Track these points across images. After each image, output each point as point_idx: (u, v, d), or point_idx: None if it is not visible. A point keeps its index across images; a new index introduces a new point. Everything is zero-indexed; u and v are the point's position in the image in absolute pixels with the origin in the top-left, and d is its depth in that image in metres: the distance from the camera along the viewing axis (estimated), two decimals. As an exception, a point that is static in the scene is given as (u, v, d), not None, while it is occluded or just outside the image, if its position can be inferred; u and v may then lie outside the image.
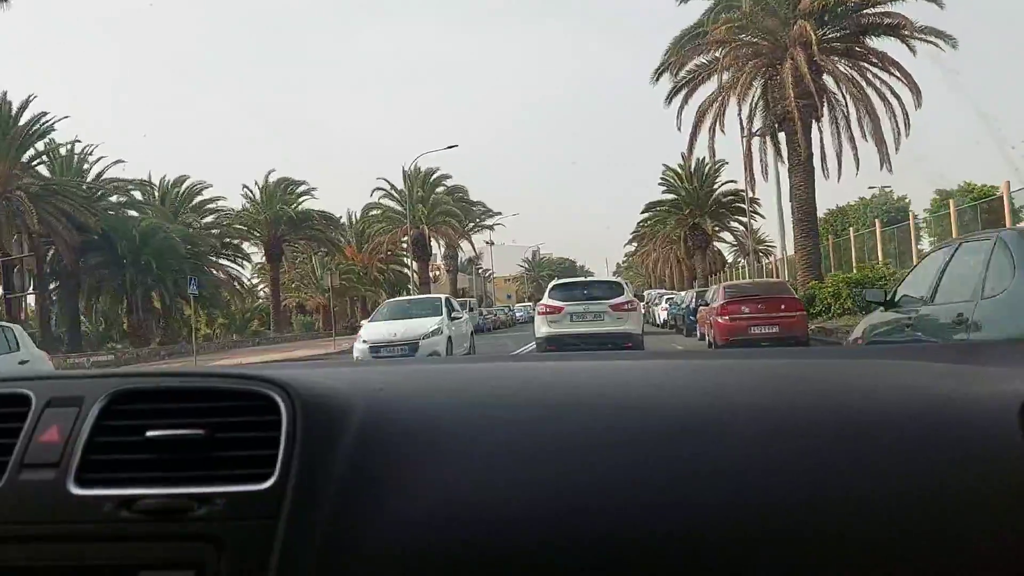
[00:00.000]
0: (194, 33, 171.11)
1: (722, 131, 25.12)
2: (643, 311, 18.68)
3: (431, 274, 53.06)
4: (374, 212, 48.91)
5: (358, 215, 50.91)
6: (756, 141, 25.62)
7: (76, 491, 0.90)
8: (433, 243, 52.77)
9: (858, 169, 23.86)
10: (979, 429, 0.91)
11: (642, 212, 48.07)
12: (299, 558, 0.84)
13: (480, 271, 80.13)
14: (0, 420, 0.98)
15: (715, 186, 46.58)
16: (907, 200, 48.95)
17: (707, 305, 17.20)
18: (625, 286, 15.01)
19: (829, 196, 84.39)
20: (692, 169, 46.73)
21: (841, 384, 1.11)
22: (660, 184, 47.53)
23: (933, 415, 0.95)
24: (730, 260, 52.99)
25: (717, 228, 45.90)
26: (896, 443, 0.90)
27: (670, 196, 47.44)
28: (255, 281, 51.45)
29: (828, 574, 0.82)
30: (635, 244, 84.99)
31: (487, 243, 69.93)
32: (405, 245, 47.46)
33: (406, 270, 57.21)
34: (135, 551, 0.87)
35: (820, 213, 29.43)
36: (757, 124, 25.23)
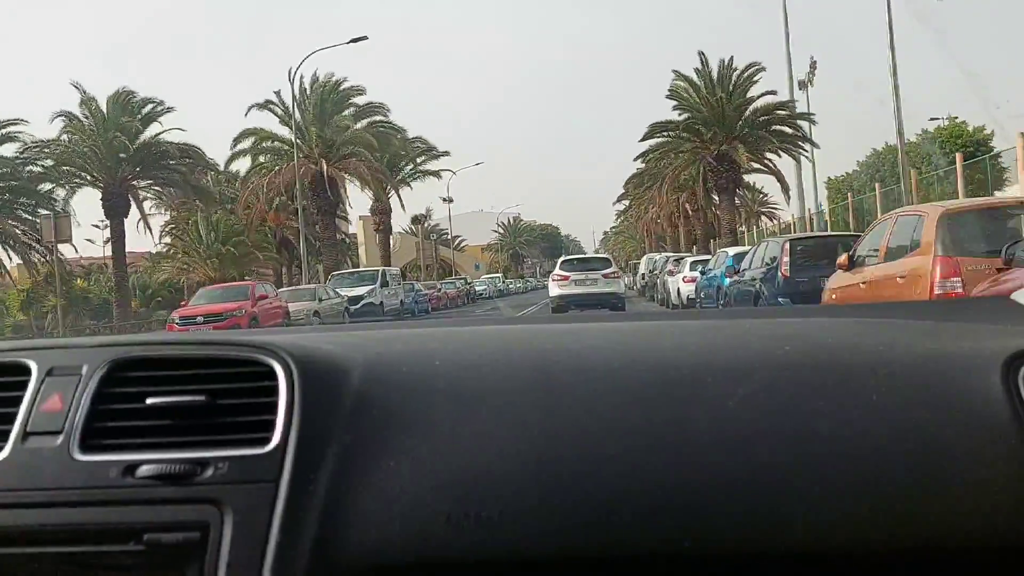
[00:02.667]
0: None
1: None
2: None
3: (341, 236, 38.70)
4: (246, 145, 33.04)
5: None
6: None
7: (80, 457, 0.92)
8: (356, 193, 38.45)
9: None
10: (962, 384, 0.93)
11: (642, 139, 33.63)
12: (301, 518, 0.86)
13: (434, 234, 65.60)
14: (2, 389, 1.00)
15: (748, 98, 32.21)
16: (986, 132, 35.53)
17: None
18: (611, 260, 21.42)
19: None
20: (716, 74, 32.53)
21: (827, 342, 1.10)
22: (669, 98, 33.16)
23: (917, 370, 0.97)
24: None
25: (752, 160, 31.52)
26: (882, 398, 0.92)
27: (682, 117, 33.01)
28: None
29: (815, 527, 0.84)
30: (626, 202, 71.33)
31: (443, 199, 55.57)
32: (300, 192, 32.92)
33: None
34: (140, 514, 0.89)
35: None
36: None
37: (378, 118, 33.90)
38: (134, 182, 32.55)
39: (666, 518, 0.85)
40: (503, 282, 62.16)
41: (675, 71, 33.16)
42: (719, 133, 31.85)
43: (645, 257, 36.96)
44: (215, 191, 35.75)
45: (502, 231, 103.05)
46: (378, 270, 28.13)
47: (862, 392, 0.94)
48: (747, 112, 31.96)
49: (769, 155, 32.67)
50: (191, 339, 1.07)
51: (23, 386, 0.99)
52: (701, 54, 32.46)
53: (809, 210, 31.89)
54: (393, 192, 40.88)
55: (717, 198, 34.13)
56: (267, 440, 0.91)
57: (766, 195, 51.43)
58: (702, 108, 32.23)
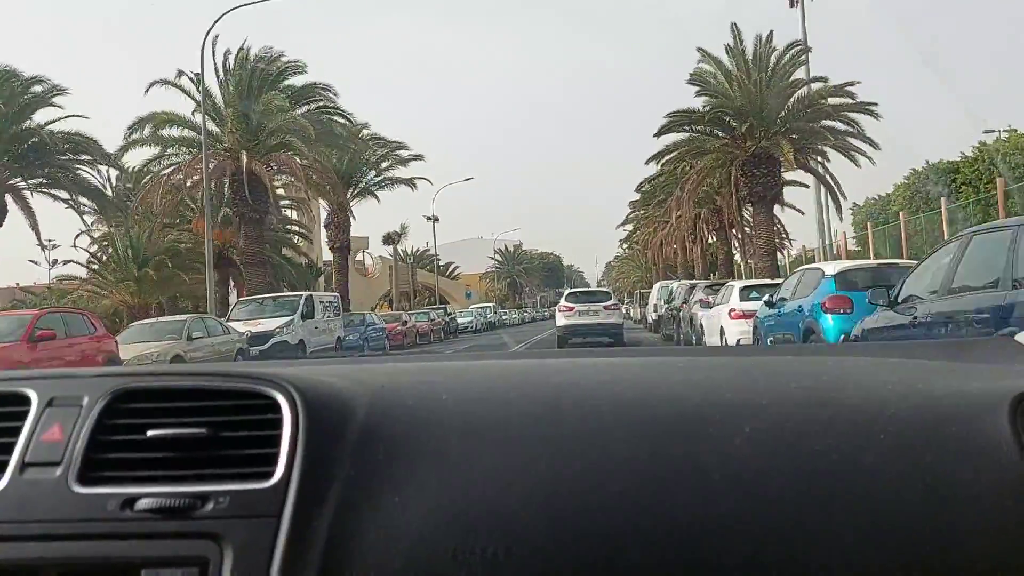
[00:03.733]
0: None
1: None
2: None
3: (303, 259, 31.37)
4: (148, 133, 24.72)
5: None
6: None
7: (79, 489, 0.91)
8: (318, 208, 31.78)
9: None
10: (971, 425, 0.92)
11: (657, 134, 26.33)
12: (303, 555, 0.85)
13: (411, 258, 58.38)
14: (1, 419, 0.99)
15: (794, 81, 25.08)
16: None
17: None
18: (612, 294, 23.11)
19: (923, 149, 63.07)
20: (752, 52, 25.48)
21: (835, 380, 1.10)
22: (691, 83, 26.06)
23: (927, 411, 0.96)
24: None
25: (798, 157, 24.27)
26: (890, 439, 0.91)
27: (706, 108, 25.88)
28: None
29: (824, 567, 0.83)
30: (630, 227, 64.27)
31: (427, 218, 48.43)
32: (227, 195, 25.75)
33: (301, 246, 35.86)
34: (138, 549, 0.87)
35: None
36: None
37: (323, 103, 26.65)
38: (13, 181, 25.64)
39: (674, 556, 0.84)
40: (495, 312, 54.41)
41: (700, 49, 26.05)
42: (756, 127, 24.74)
43: (658, 285, 29.71)
44: (115, 194, 28.66)
45: (500, 258, 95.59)
46: (300, 296, 20.95)
47: (870, 431, 0.93)
48: (793, 99, 24.86)
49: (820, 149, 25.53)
50: (194, 370, 1.05)
51: (23, 416, 0.98)
52: (734, 26, 25.41)
53: (842, 235, 24.81)
54: (356, 200, 33.90)
55: (751, 210, 26.89)
56: (270, 474, 0.90)
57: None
58: (734, 95, 25.14)
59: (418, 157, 33.95)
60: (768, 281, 16.24)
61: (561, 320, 20.65)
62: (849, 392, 1.04)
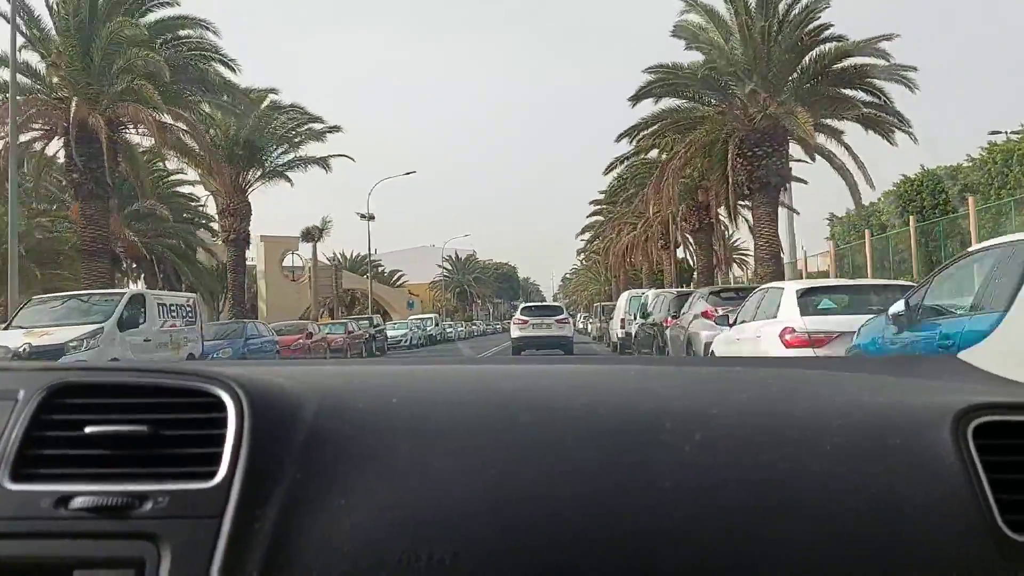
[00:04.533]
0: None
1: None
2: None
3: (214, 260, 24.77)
4: None
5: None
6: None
7: (11, 486, 0.89)
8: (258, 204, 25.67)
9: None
10: (915, 438, 0.95)
11: (633, 98, 20.32)
12: (244, 556, 0.83)
13: (337, 261, 51.92)
14: None
15: (813, 30, 19.35)
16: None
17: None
18: (563, 309, 24.51)
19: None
20: (755, -4, 19.74)
21: (784, 392, 1.11)
22: (676, 36, 20.26)
23: (873, 424, 0.98)
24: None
25: (827, 120, 18.55)
26: (837, 450, 0.93)
27: (691, 66, 20.10)
28: None
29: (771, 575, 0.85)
30: (589, 234, 58.68)
31: (361, 216, 42.02)
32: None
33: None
34: (71, 548, 0.85)
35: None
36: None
37: (197, 45, 20.24)
38: None
39: (623, 562, 0.84)
40: (437, 325, 47.95)
41: (686, -8, 20.33)
42: (759, 90, 19.10)
43: (626, 296, 23.85)
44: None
45: (449, 266, 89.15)
46: (121, 295, 14.66)
47: (818, 442, 0.94)
48: (809, 57, 19.27)
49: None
50: (136, 366, 1.02)
51: None
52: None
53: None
54: (263, 183, 27.62)
55: (751, 202, 21.17)
56: (213, 474, 0.88)
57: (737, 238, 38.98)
58: (733, 50, 19.49)
59: (335, 128, 27.58)
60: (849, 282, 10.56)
61: (516, 332, 21.83)
62: (798, 403, 1.05)
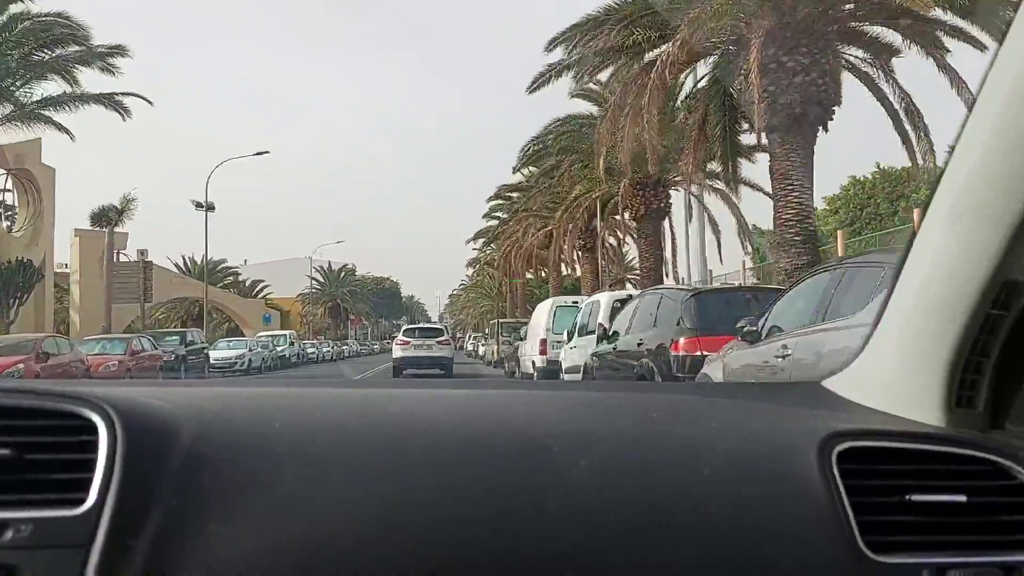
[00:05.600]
0: None
1: None
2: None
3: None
4: None
5: None
6: None
7: None
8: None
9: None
10: (784, 463, 0.98)
11: (548, 47, 12.80)
12: None
13: (179, 262, 41.94)
14: None
15: None
16: None
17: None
18: (445, 330, 25.68)
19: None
20: None
21: (665, 417, 1.11)
22: None
23: (746, 449, 1.00)
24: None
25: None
26: (714, 474, 0.95)
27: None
28: None
29: None
30: (480, 242, 50.80)
31: (198, 205, 32.43)
32: None
33: None
34: None
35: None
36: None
37: None
38: None
39: None
40: (292, 344, 38.48)
41: None
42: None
43: (548, 305, 16.05)
44: None
45: (320, 278, 79.04)
46: None
47: (697, 466, 0.96)
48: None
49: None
50: (1, 386, 0.95)
51: None
52: None
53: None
54: (6, 126, 18.15)
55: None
56: (81, 501, 0.83)
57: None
58: None
59: (118, 50, 18.46)
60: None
61: (398, 352, 22.63)
62: (678, 428, 1.07)
